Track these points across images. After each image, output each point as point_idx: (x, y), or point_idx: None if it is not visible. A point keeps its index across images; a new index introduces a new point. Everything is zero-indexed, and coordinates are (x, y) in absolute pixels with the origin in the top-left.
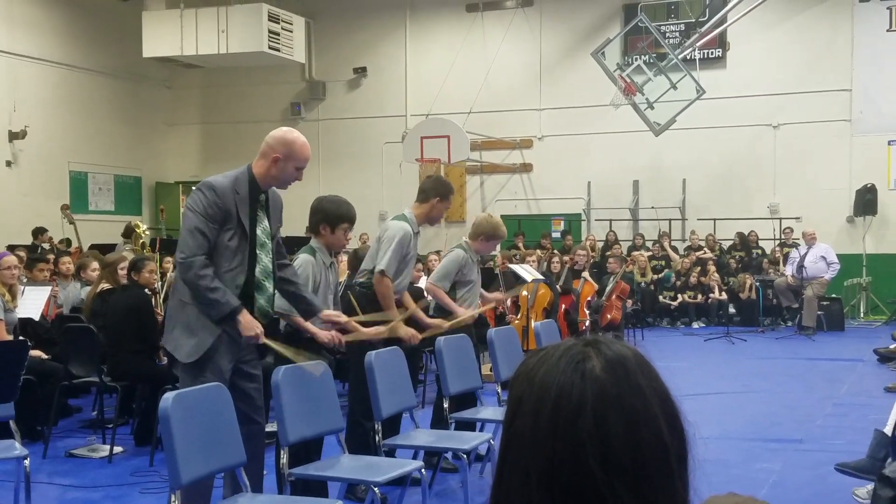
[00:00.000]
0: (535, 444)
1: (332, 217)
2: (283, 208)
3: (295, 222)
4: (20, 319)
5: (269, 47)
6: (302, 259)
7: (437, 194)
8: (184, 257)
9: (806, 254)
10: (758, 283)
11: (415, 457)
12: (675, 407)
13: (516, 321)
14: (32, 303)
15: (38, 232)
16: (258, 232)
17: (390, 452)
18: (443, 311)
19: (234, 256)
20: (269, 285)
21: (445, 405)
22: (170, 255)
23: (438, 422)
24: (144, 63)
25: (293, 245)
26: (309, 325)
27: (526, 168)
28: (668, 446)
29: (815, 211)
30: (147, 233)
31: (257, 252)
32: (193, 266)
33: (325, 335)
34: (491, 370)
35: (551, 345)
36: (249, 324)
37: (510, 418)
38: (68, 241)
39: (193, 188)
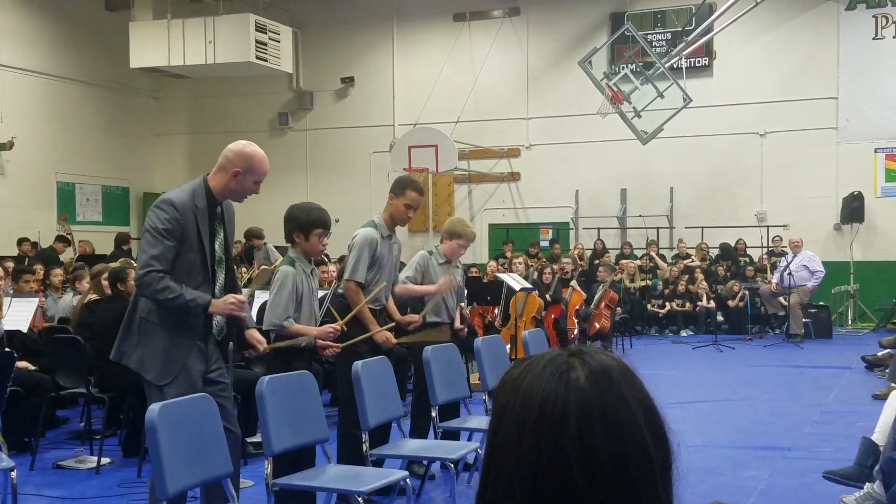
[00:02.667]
0: (519, 453)
1: (303, 224)
2: (270, 220)
3: (280, 233)
4: (7, 331)
5: (257, 57)
6: (281, 272)
7: (392, 191)
8: (139, 276)
9: (791, 261)
10: (745, 291)
11: (403, 466)
12: (660, 417)
13: (503, 330)
14: (19, 315)
15: (21, 242)
16: (216, 247)
17: (378, 462)
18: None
19: (198, 273)
20: None
21: (434, 414)
22: None
23: (416, 429)
24: (132, 73)
25: (281, 254)
26: (301, 327)
27: (514, 177)
28: (653, 457)
29: (802, 218)
30: None
31: (216, 269)
32: (151, 283)
33: (319, 330)
34: (479, 379)
35: (536, 354)
36: (222, 305)
37: (495, 428)
38: (34, 243)
39: (153, 207)
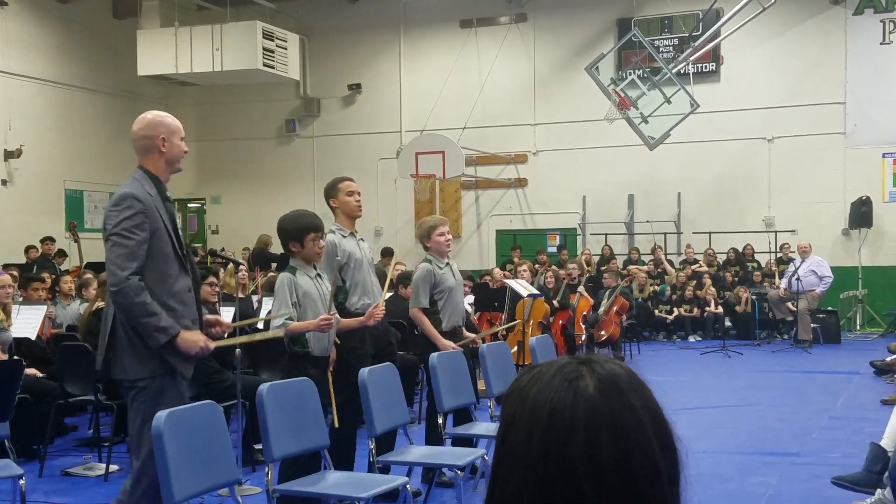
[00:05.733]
0: (527, 462)
1: (295, 232)
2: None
3: None
4: (15, 339)
5: (264, 64)
6: (278, 280)
7: (329, 198)
8: (119, 279)
9: (799, 266)
10: (753, 297)
11: (409, 473)
12: (668, 427)
13: (509, 336)
14: (27, 322)
15: (28, 249)
16: (179, 232)
17: (385, 469)
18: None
19: (173, 262)
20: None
21: (440, 421)
22: None
23: (432, 438)
24: (140, 81)
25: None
26: (300, 324)
27: (521, 183)
28: (661, 467)
29: (810, 224)
30: None
31: (187, 255)
32: (128, 291)
33: (316, 323)
34: (484, 385)
35: (545, 362)
36: (190, 341)
37: (502, 436)
38: (29, 248)
39: (114, 206)
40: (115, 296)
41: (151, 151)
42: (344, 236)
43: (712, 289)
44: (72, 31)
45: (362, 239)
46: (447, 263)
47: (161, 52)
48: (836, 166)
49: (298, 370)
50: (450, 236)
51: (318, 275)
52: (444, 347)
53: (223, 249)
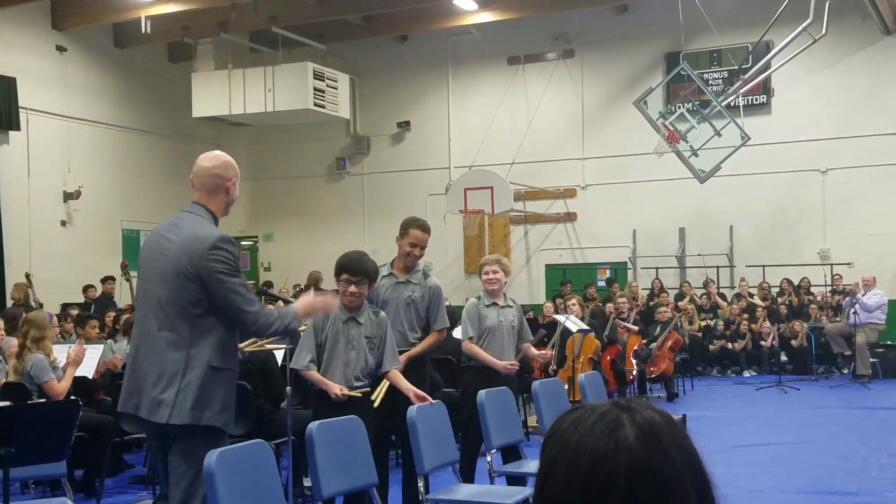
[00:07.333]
0: None
1: (335, 272)
2: (328, 262)
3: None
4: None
5: (315, 104)
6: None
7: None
8: (254, 316)
9: (859, 299)
10: (809, 331)
11: None
12: (706, 477)
13: (560, 372)
14: (85, 361)
15: (86, 289)
16: None
17: None
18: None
19: None
20: None
21: (488, 459)
22: None
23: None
24: (194, 123)
25: None
26: (320, 378)
27: (570, 217)
28: None
29: (867, 256)
30: None
31: None
32: (265, 321)
33: (330, 388)
34: (537, 422)
35: (586, 406)
36: (312, 306)
37: (542, 480)
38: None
39: (213, 249)
40: (260, 329)
41: (219, 192)
42: (382, 276)
43: (767, 323)
44: (129, 75)
45: (405, 282)
46: (494, 303)
47: (215, 95)
48: (893, 197)
49: (316, 405)
50: (495, 276)
51: (352, 318)
52: (503, 369)
53: (296, 294)
